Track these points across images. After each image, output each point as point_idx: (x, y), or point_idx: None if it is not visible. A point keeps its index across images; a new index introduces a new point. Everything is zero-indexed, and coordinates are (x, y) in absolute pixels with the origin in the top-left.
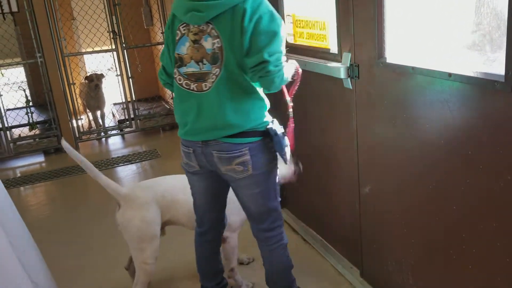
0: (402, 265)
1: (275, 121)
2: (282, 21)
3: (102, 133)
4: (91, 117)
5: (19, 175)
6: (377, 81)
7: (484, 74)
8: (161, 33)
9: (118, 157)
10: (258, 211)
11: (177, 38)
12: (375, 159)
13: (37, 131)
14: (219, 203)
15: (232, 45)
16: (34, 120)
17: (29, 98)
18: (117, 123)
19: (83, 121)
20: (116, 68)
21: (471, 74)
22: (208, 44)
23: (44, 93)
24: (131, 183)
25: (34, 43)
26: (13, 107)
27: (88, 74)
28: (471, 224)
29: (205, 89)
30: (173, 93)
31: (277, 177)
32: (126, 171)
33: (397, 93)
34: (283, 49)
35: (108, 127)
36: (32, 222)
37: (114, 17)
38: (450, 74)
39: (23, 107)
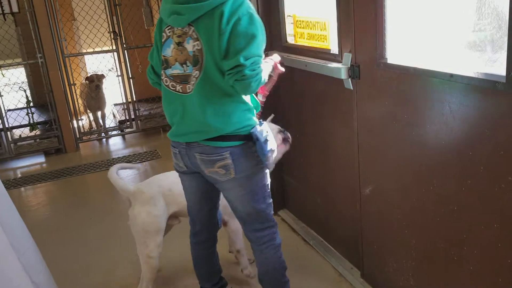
0: (403, 266)
1: (265, 124)
2: (262, 24)
3: (103, 133)
4: (91, 118)
5: (19, 175)
6: (378, 81)
7: (485, 75)
8: None
9: (118, 157)
10: (245, 212)
11: (163, 40)
12: (376, 160)
13: (37, 132)
14: (210, 203)
15: (211, 48)
16: (35, 121)
17: (30, 98)
18: (117, 123)
19: (84, 121)
20: (116, 68)
21: (472, 75)
22: (190, 46)
23: (44, 94)
24: (132, 183)
25: (34, 43)
26: (13, 108)
27: (88, 75)
28: (472, 225)
29: (188, 91)
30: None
31: (267, 178)
32: (127, 172)
33: (398, 94)
34: (262, 52)
35: (108, 127)
36: (32, 223)
37: (114, 17)
38: (451, 75)
39: (23, 108)
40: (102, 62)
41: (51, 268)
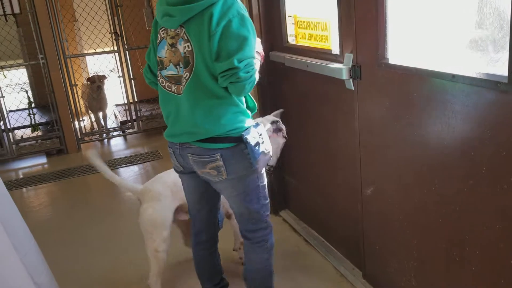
0: (405, 267)
1: (261, 126)
2: (253, 24)
3: (104, 134)
4: (93, 119)
5: (21, 176)
6: (379, 82)
7: (487, 75)
8: None
9: (120, 158)
10: (239, 211)
11: (158, 41)
12: (377, 160)
13: (39, 133)
14: (210, 203)
15: (201, 49)
16: (37, 122)
17: (31, 99)
18: (119, 124)
19: (85, 122)
20: (118, 69)
21: (474, 75)
22: (181, 47)
23: (46, 95)
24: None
25: (36, 44)
26: (15, 109)
27: (90, 76)
28: (474, 225)
29: (181, 92)
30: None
31: (262, 180)
32: (128, 172)
33: (400, 94)
34: (255, 53)
35: (110, 128)
36: (34, 224)
37: (116, 18)
38: (453, 75)
39: (25, 109)
40: (104, 63)
41: (52, 268)
